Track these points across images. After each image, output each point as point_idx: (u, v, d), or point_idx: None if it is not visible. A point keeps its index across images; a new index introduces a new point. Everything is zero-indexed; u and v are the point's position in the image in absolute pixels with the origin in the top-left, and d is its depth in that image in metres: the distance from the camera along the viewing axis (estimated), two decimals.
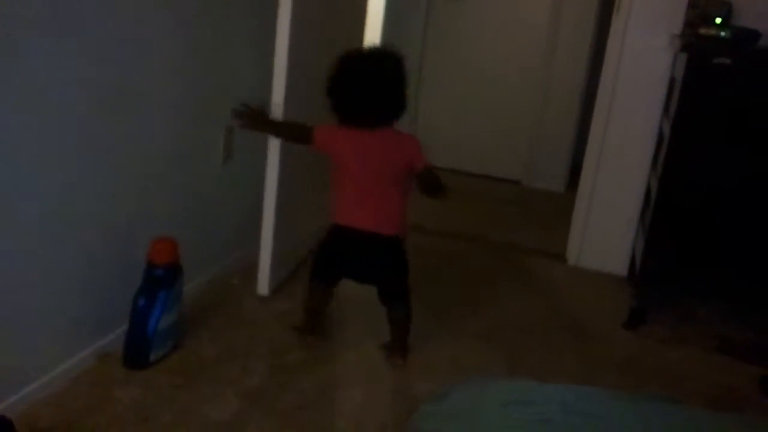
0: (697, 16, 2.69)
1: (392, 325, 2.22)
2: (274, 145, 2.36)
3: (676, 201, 2.49)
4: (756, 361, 2.39)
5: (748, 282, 2.48)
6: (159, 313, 1.97)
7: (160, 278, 1.97)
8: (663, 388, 2.23)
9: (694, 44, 2.45)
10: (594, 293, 2.91)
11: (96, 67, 1.80)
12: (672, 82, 2.75)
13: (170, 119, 2.16)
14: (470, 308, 2.62)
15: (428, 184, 2.07)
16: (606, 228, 3.09)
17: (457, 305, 2.64)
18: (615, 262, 3.07)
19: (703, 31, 2.54)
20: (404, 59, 2.09)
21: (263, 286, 2.49)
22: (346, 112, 2.05)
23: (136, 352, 1.98)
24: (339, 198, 2.11)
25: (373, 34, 3.76)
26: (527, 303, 2.74)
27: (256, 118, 2.24)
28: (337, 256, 2.16)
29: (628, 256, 3.03)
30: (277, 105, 2.28)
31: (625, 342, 2.51)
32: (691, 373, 2.34)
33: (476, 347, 2.35)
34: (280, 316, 2.38)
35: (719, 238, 2.46)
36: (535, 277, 3.00)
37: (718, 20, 2.60)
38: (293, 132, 2.25)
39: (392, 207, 2.10)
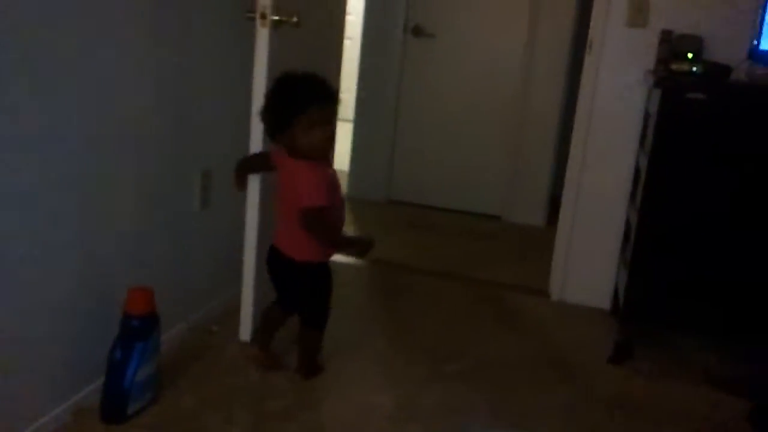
0: (668, 52, 2.73)
1: (299, 346, 2.29)
2: (253, 188, 2.34)
3: (655, 234, 2.50)
4: (743, 394, 2.38)
5: (729, 313, 2.48)
6: (136, 365, 1.92)
7: (137, 329, 1.93)
8: (651, 425, 2.21)
9: (668, 80, 2.48)
10: (578, 328, 2.89)
11: (71, 106, 1.78)
12: (647, 116, 2.78)
13: (147, 163, 2.13)
14: (454, 348, 2.59)
15: (306, 224, 2.03)
16: (587, 262, 3.09)
17: (441, 345, 2.60)
18: (598, 296, 3.06)
19: (675, 66, 2.57)
20: (295, 82, 2.05)
21: (245, 332, 2.44)
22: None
23: (113, 405, 1.92)
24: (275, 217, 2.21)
25: (349, 73, 3.78)
26: (511, 340, 2.72)
27: (238, 169, 2.30)
28: (270, 272, 2.23)
29: (610, 289, 3.03)
30: (255, 143, 2.29)
31: (612, 377, 2.48)
32: (679, 408, 2.32)
33: (461, 387, 2.31)
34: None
35: (700, 269, 2.46)
36: (519, 314, 2.98)
37: (690, 55, 2.64)
38: (261, 162, 2.27)
39: (300, 236, 2.07)
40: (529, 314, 2.99)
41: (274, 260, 2.20)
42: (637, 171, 2.84)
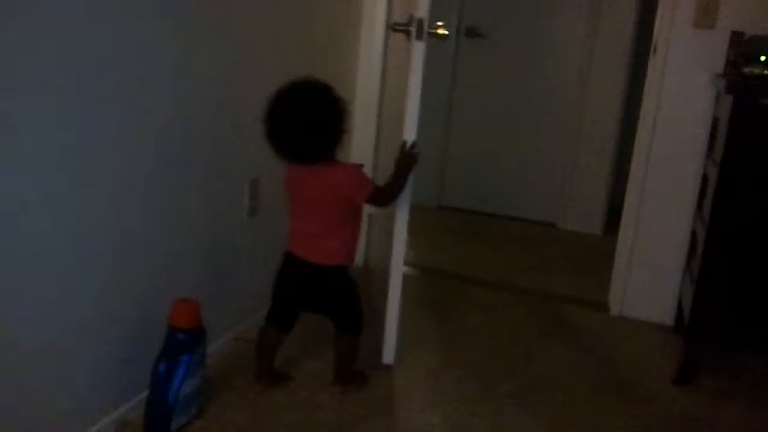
0: (739, 54, 2.58)
1: (335, 356, 2.23)
2: (403, 203, 2.27)
3: (725, 247, 2.35)
4: None
5: None
6: (181, 378, 1.87)
7: (182, 342, 1.88)
8: None
9: (740, 84, 2.33)
10: (639, 345, 2.75)
11: (121, 113, 1.75)
12: (715, 122, 2.63)
13: (194, 172, 2.09)
14: (507, 364, 2.49)
15: (383, 204, 2.17)
16: (650, 274, 2.94)
17: (494, 361, 2.50)
18: (661, 311, 2.92)
19: (747, 70, 2.42)
20: (325, 91, 2.00)
21: (389, 356, 2.38)
22: (272, 148, 2.00)
23: (158, 420, 1.88)
24: (290, 226, 2.12)
25: None
26: (568, 357, 2.60)
27: None
28: (284, 283, 2.14)
29: (674, 304, 2.88)
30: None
31: (676, 399, 2.35)
32: None
33: (515, 409, 2.21)
34: (309, 378, 2.27)
35: None
36: (576, 328, 2.86)
37: (763, 58, 2.48)
38: None
39: (331, 239, 2.07)
40: (587, 329, 2.86)
41: (293, 270, 2.12)
42: (704, 180, 2.69)
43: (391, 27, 2.25)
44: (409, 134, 2.22)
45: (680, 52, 2.75)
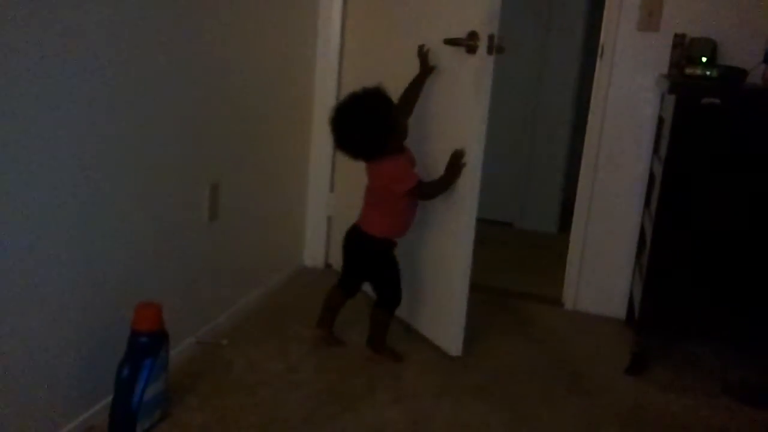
0: (682, 56, 2.69)
1: (370, 321, 2.55)
2: (471, 198, 2.49)
3: (671, 242, 2.45)
4: (762, 404, 2.33)
5: (748, 322, 2.42)
6: (144, 382, 1.88)
7: (145, 346, 1.89)
8: None
9: (682, 85, 2.43)
10: (593, 338, 2.84)
11: (76, 121, 1.75)
12: (660, 122, 2.73)
13: (153, 176, 2.10)
14: (466, 360, 2.55)
15: (422, 198, 2.47)
16: (602, 270, 3.04)
17: (453, 357, 2.56)
18: (613, 305, 3.02)
19: (689, 70, 2.52)
20: (367, 99, 2.30)
21: (456, 348, 2.56)
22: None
23: (122, 425, 1.89)
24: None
25: None
26: (525, 351, 2.68)
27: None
28: (345, 251, 2.54)
29: (625, 298, 2.98)
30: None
31: (628, 390, 2.44)
32: (696, 419, 2.27)
33: (475, 402, 2.27)
34: (272, 377, 2.30)
35: (717, 277, 2.41)
36: (532, 324, 2.94)
37: (704, 59, 2.59)
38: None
39: (378, 216, 2.44)
40: (543, 324, 2.94)
41: (350, 235, 2.50)
42: (651, 177, 2.79)
43: (448, 42, 2.38)
44: (473, 148, 2.43)
45: (626, 55, 2.85)
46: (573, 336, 2.86)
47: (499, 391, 2.36)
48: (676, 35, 2.73)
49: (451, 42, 2.39)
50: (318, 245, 3.32)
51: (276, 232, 3.03)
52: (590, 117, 2.98)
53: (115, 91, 1.89)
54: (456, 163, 2.40)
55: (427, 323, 2.70)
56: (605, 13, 2.90)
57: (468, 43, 2.36)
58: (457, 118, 2.48)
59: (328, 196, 3.27)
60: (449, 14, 2.50)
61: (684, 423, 2.25)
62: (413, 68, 2.53)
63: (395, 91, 2.43)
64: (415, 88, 2.50)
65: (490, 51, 2.35)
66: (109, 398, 1.90)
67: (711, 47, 2.64)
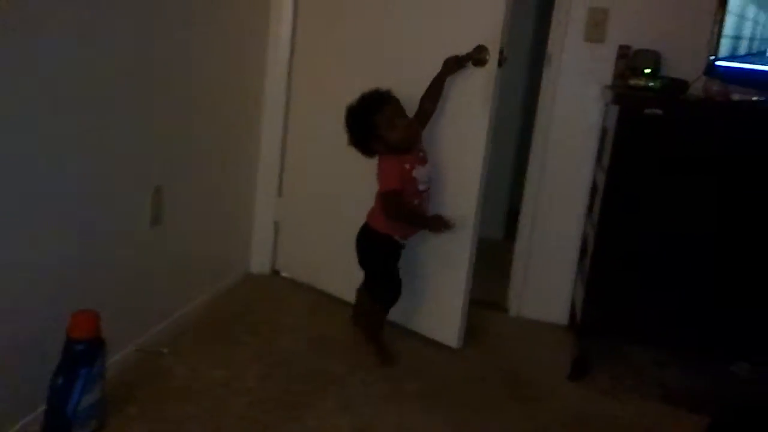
0: (626, 67, 2.74)
1: (355, 299, 2.71)
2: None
3: (612, 248, 2.49)
4: (700, 409, 2.38)
5: (687, 328, 2.48)
6: (80, 392, 1.83)
7: (80, 354, 1.84)
8: None
9: (625, 96, 2.47)
10: (537, 345, 2.87)
11: (12, 121, 1.69)
12: (604, 132, 2.78)
13: (92, 179, 2.04)
14: (412, 367, 2.55)
15: (385, 211, 2.48)
16: (546, 276, 3.08)
17: (398, 364, 2.55)
18: (556, 312, 3.05)
19: (632, 82, 2.57)
20: (357, 103, 2.45)
21: (454, 339, 2.71)
22: None
23: None
24: None
25: None
26: (470, 358, 2.69)
27: None
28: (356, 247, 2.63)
29: (568, 304, 3.02)
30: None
31: (571, 396, 2.46)
32: (636, 424, 2.32)
33: (419, 410, 2.27)
34: (215, 385, 2.25)
35: (656, 283, 2.46)
36: (477, 330, 2.94)
37: (648, 71, 2.64)
38: None
39: (377, 207, 2.53)
40: (488, 331, 2.96)
41: (360, 232, 2.59)
42: (594, 186, 2.84)
43: (466, 60, 2.55)
44: (477, 161, 2.64)
45: (572, 65, 2.90)
46: (517, 342, 2.89)
47: (444, 398, 2.36)
48: (620, 46, 2.78)
49: (464, 58, 2.53)
50: (265, 251, 3.28)
51: (222, 238, 2.98)
52: (536, 125, 3.01)
53: (54, 90, 1.83)
54: (440, 221, 2.47)
55: (423, 321, 2.81)
56: (552, 23, 2.94)
57: (477, 57, 2.51)
58: (462, 130, 2.64)
59: (276, 200, 3.23)
60: (451, 25, 2.61)
61: (623, 426, 2.29)
62: (369, 65, 2.60)
63: (350, 88, 2.49)
64: (434, 91, 2.58)
65: (500, 64, 2.50)
66: (43, 407, 1.83)
67: (654, 59, 2.70)
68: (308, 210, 3.16)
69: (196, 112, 2.56)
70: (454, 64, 2.56)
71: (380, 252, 2.58)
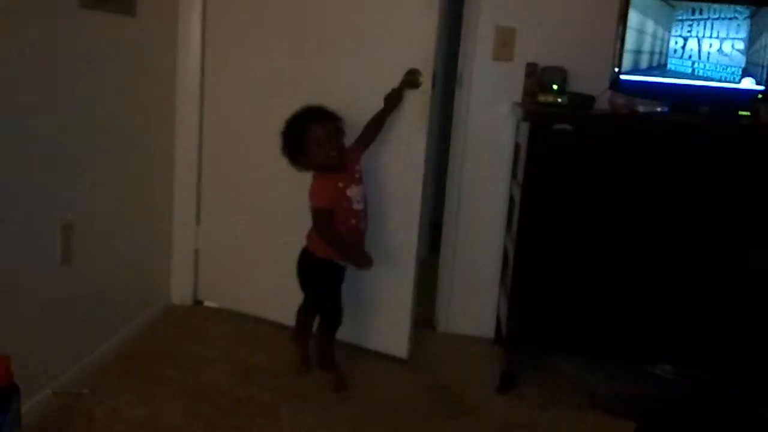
0: (534, 84, 2.81)
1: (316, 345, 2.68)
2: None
3: (532, 261, 2.54)
4: (628, 416, 2.43)
5: (609, 336, 2.55)
6: None
7: None
8: None
9: (534, 112, 2.55)
10: (465, 359, 2.90)
11: None
12: (517, 147, 2.84)
13: None
14: (349, 389, 2.54)
15: (313, 223, 2.47)
16: (470, 291, 3.12)
17: (328, 388, 2.53)
18: (483, 326, 3.10)
19: (542, 98, 2.65)
20: (296, 115, 2.46)
21: (404, 349, 2.78)
22: None
23: None
24: None
25: None
26: (400, 376, 2.69)
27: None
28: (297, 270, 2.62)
29: (493, 318, 3.07)
30: None
31: (500, 408, 2.50)
32: None
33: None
34: (136, 427, 2.18)
35: (578, 294, 2.52)
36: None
37: (555, 87, 2.73)
38: None
39: (315, 234, 2.49)
40: (417, 348, 2.97)
41: (299, 256, 2.58)
42: (511, 201, 2.90)
43: (404, 87, 2.64)
44: (415, 176, 2.71)
45: (483, 83, 2.96)
46: (446, 358, 2.91)
47: (377, 421, 2.35)
48: (528, 64, 2.86)
49: (401, 85, 2.62)
50: (186, 281, 3.20)
51: (139, 270, 2.90)
52: (452, 144, 3.06)
53: None
54: (361, 255, 2.51)
55: (372, 336, 2.85)
56: (461, 43, 3.01)
57: (411, 79, 2.60)
58: (401, 150, 2.70)
59: (194, 228, 3.17)
60: (378, 48, 2.70)
61: None
62: (291, 88, 2.66)
63: (269, 110, 2.53)
64: (376, 123, 2.64)
65: (434, 86, 2.60)
66: None
67: (561, 75, 2.79)
68: (229, 234, 3.11)
69: (104, 142, 2.48)
70: (396, 98, 2.63)
71: (323, 277, 2.56)
